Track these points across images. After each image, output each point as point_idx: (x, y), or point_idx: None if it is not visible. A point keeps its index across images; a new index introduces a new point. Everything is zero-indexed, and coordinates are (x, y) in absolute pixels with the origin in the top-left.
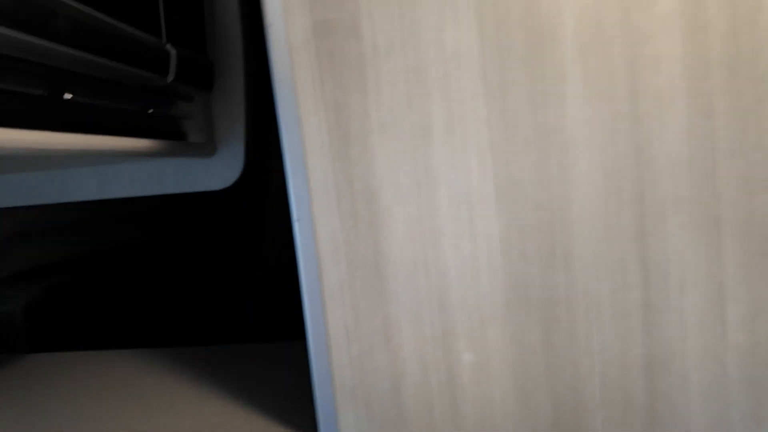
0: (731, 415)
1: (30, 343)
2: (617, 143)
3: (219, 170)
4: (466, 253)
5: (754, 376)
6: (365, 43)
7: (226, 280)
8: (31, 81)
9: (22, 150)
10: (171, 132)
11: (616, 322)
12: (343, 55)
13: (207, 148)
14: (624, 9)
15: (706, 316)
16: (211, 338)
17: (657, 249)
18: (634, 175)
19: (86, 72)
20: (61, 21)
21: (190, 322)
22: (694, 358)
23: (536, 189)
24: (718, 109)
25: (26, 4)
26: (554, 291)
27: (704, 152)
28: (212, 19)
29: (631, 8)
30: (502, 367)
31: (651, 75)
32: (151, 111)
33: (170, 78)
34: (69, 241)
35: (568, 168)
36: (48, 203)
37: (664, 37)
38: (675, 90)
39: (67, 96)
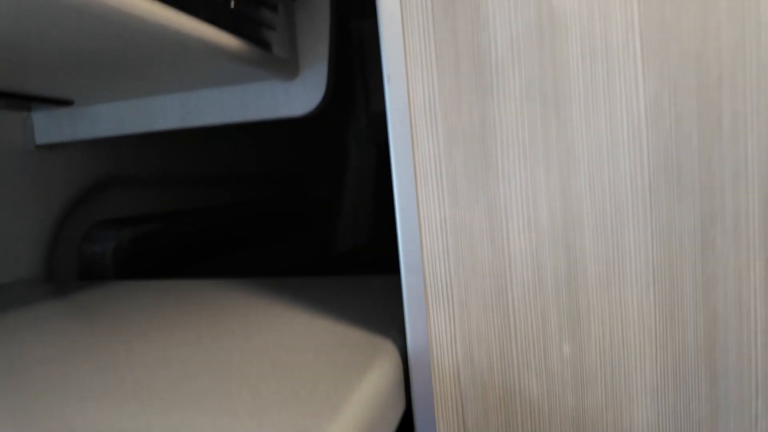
0: None
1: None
2: None
3: (301, 95)
4: (600, 122)
5: None
6: None
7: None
8: None
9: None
10: (255, 39)
11: None
12: None
13: (290, 66)
14: None
15: None
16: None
17: None
18: None
19: None
20: None
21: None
22: None
23: (698, 37)
24: None
25: None
26: (717, 172)
27: None
28: None
29: None
30: (641, 269)
31: None
32: (233, 4)
33: None
34: (163, 195)
35: (747, 8)
36: (134, 132)
37: None
38: None
39: None
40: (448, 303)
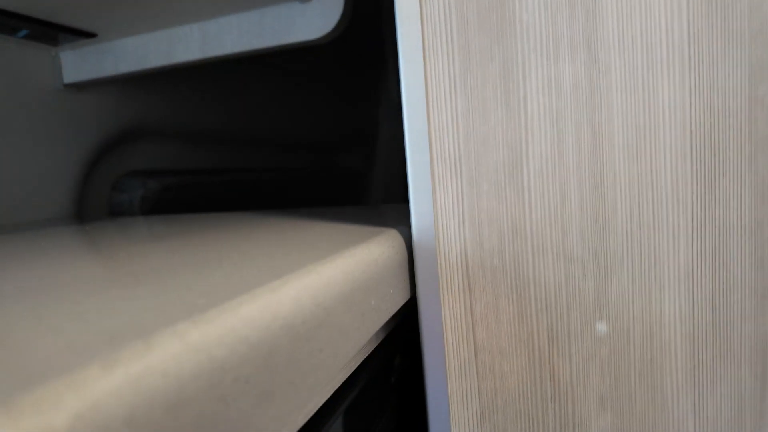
0: None
1: None
2: None
3: (318, 16)
4: None
5: None
6: None
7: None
8: None
9: None
10: None
11: None
12: None
13: None
14: None
15: None
16: None
17: None
18: None
19: None
20: None
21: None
22: None
23: None
24: None
25: None
26: None
27: None
28: None
29: None
30: (677, 133)
31: None
32: None
33: None
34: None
35: None
36: (154, 67)
37: None
38: None
39: None
40: (457, 180)
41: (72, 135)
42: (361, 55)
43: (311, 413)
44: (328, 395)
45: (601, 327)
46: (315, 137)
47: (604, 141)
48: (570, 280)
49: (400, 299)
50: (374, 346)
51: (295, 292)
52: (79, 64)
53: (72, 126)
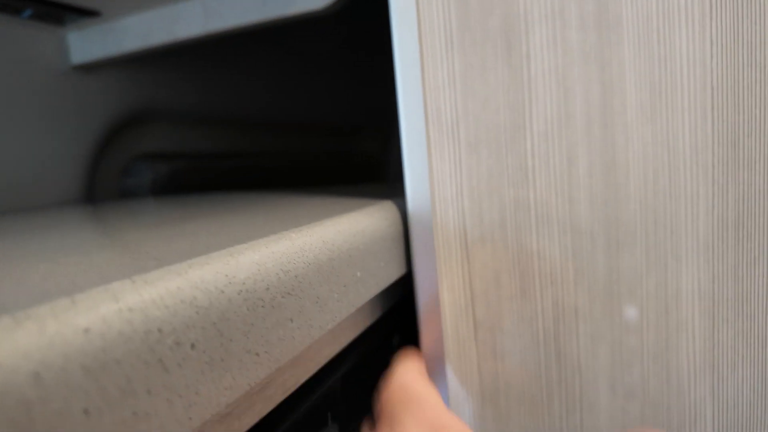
0: None
1: None
2: None
3: None
4: None
5: None
6: None
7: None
8: None
9: None
10: None
11: None
12: None
13: None
14: None
15: None
16: None
17: None
18: None
19: None
20: None
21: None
22: None
23: None
24: None
25: None
26: None
27: None
28: None
29: None
30: (696, 90)
31: None
32: None
33: None
34: (203, 135)
35: None
36: (158, 44)
37: None
38: None
39: None
40: (455, 145)
41: (81, 117)
42: (375, 33)
43: (290, 390)
44: (313, 371)
45: (631, 312)
46: (329, 119)
47: (615, 100)
48: (578, 253)
49: (393, 273)
50: (369, 323)
51: (259, 257)
52: (85, 45)
53: (81, 108)
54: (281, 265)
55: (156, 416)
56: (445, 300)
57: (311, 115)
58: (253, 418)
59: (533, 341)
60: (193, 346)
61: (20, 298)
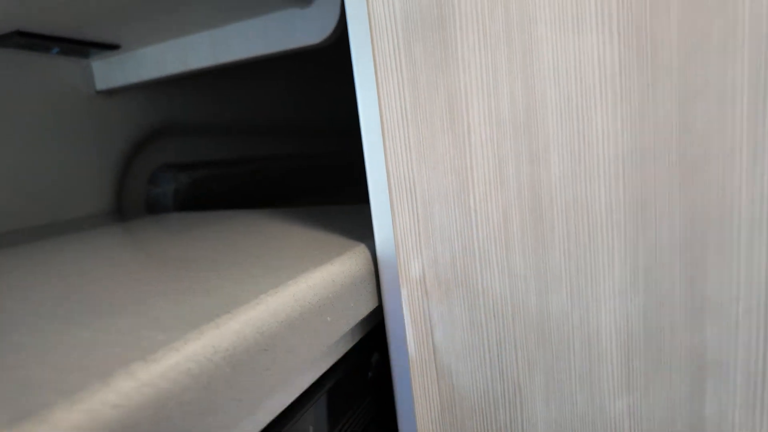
0: None
1: None
2: None
3: (316, 21)
4: None
5: None
6: None
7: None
8: None
9: None
10: None
11: None
12: None
13: None
14: None
15: None
16: None
17: None
18: None
19: None
20: None
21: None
22: None
23: None
24: None
25: None
26: (700, 38)
27: None
28: None
29: None
30: (609, 159)
31: None
32: None
33: None
34: (221, 145)
35: None
36: (172, 73)
37: None
38: None
39: None
40: (413, 201)
41: (106, 136)
42: None
43: (276, 413)
44: (296, 395)
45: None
46: (331, 124)
47: (542, 168)
48: (514, 293)
49: (364, 310)
50: (348, 348)
51: (239, 326)
52: (108, 73)
53: (106, 128)
54: (257, 328)
55: None
56: (409, 329)
57: (313, 121)
58: None
59: (481, 364)
60: (190, 403)
61: (66, 378)
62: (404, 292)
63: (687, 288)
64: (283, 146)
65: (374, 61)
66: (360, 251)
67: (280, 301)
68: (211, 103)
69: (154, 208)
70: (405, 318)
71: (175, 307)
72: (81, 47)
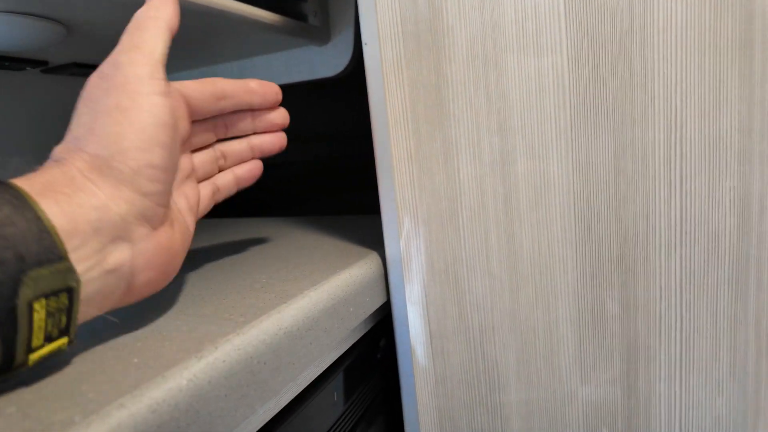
0: None
1: None
2: None
3: (333, 57)
4: (530, 71)
5: None
6: None
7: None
8: None
9: None
10: (293, 12)
11: (704, 147)
12: None
13: (322, 33)
14: None
15: None
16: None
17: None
18: None
19: None
20: None
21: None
22: None
23: None
24: None
25: None
26: (629, 110)
27: None
28: None
29: None
30: (564, 193)
31: None
32: None
33: None
34: None
35: None
36: None
37: None
38: None
39: None
40: (415, 221)
41: None
42: None
43: (313, 377)
44: (313, 378)
45: None
46: (346, 130)
47: (513, 198)
48: (493, 290)
49: (377, 303)
50: (364, 331)
51: (293, 312)
52: None
53: None
54: (305, 313)
55: None
56: (411, 319)
57: (329, 125)
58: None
59: (467, 346)
60: (265, 363)
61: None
62: (407, 291)
63: (622, 289)
64: (289, 153)
65: (388, 119)
66: (373, 258)
67: (318, 295)
68: None
69: None
70: (407, 311)
71: (243, 299)
72: None
